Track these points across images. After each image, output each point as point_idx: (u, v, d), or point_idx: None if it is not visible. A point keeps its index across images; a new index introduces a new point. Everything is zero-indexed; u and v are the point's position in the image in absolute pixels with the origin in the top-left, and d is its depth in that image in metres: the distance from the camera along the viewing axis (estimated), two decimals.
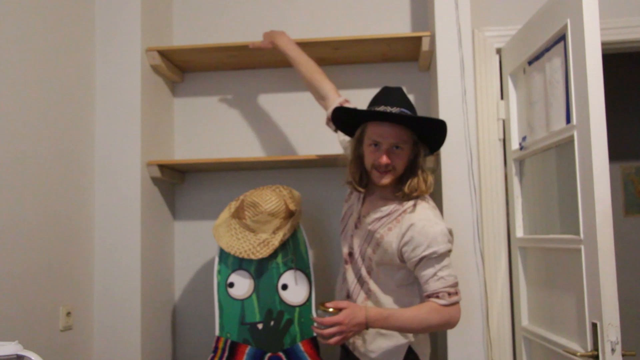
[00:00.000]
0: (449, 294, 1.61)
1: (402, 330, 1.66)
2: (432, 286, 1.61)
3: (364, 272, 1.76)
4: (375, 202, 1.76)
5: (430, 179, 1.71)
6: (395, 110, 1.64)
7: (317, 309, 1.63)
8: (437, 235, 1.61)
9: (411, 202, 1.69)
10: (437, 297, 1.61)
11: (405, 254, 1.65)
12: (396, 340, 1.71)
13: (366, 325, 1.60)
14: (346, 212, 1.89)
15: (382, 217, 1.72)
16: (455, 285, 1.63)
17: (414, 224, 1.63)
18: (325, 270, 2.35)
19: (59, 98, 1.98)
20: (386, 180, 1.68)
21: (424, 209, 1.68)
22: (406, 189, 1.69)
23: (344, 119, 1.78)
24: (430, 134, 1.70)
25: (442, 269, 1.61)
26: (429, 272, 1.62)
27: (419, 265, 1.63)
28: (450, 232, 1.66)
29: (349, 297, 1.81)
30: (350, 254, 1.82)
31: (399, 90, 1.73)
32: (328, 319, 1.57)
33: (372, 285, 1.74)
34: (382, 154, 1.65)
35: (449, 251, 1.64)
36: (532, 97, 2.05)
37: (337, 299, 1.87)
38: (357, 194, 1.83)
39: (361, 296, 1.77)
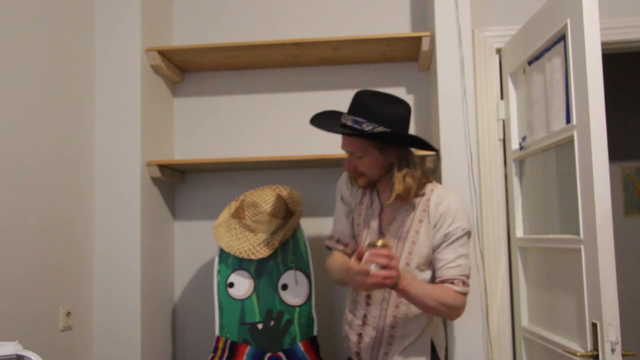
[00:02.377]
0: (463, 282, 1.63)
1: (421, 299, 1.59)
2: (448, 272, 1.64)
3: None
4: (395, 206, 1.73)
5: (409, 180, 1.65)
6: (349, 120, 1.62)
7: (367, 247, 1.50)
8: (459, 211, 1.67)
9: (429, 188, 1.72)
10: (452, 283, 1.63)
11: (433, 231, 1.67)
12: (419, 340, 1.70)
13: (396, 280, 1.51)
14: (363, 222, 1.80)
15: (409, 212, 1.71)
16: (469, 276, 1.66)
17: (441, 203, 1.68)
18: (325, 270, 2.34)
19: (59, 98, 1.98)
20: (360, 182, 1.74)
21: (442, 189, 1.73)
22: (393, 193, 1.66)
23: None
24: (394, 140, 1.65)
25: (461, 257, 1.65)
26: (448, 256, 1.64)
27: (441, 245, 1.66)
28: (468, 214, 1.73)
29: (369, 298, 1.74)
30: None
31: (364, 94, 1.65)
32: (388, 252, 1.47)
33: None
34: (347, 160, 1.72)
35: (469, 234, 1.68)
36: (532, 97, 2.05)
37: (349, 307, 1.81)
38: (370, 211, 1.78)
39: (392, 302, 1.70)
